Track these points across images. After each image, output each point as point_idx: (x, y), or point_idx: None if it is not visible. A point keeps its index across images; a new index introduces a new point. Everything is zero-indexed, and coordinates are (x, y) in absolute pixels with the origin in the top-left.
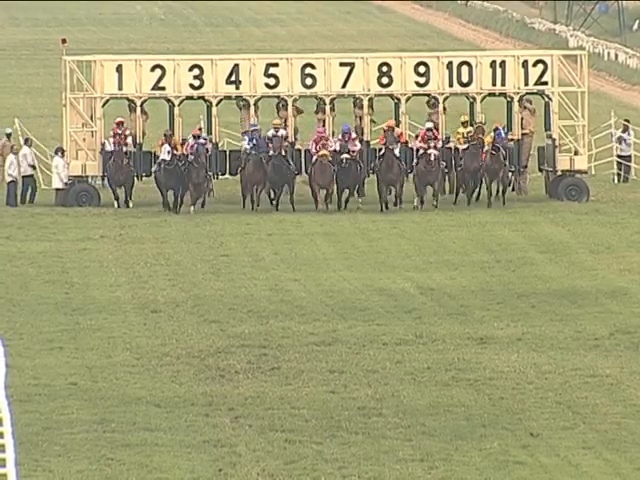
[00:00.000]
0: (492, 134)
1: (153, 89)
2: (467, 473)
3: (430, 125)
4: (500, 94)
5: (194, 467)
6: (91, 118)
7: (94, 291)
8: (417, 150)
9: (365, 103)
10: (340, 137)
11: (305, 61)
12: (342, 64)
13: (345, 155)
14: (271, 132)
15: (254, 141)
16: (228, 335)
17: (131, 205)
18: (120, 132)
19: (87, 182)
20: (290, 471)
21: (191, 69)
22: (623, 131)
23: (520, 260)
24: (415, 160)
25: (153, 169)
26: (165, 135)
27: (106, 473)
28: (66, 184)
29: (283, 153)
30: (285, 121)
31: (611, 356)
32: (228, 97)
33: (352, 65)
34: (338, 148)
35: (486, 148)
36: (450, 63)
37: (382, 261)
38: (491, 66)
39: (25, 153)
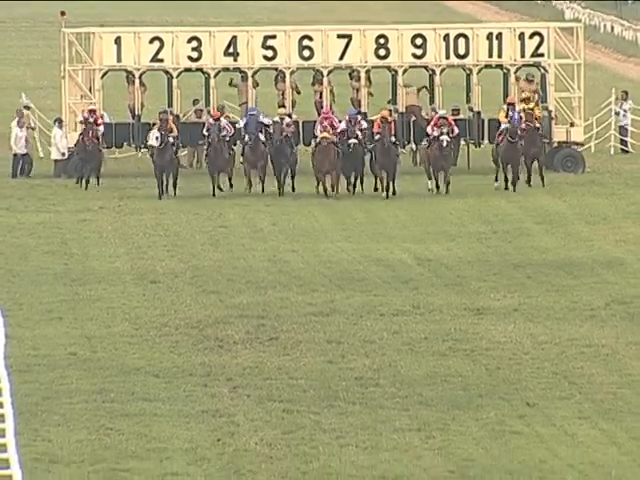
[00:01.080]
0: (505, 111)
1: (152, 61)
2: (464, 443)
3: (443, 112)
4: (497, 66)
5: (193, 437)
6: (90, 90)
7: (93, 262)
8: (430, 135)
9: (362, 75)
10: (347, 118)
11: (302, 33)
12: (339, 36)
13: (353, 140)
14: (276, 118)
15: (245, 124)
16: (226, 306)
17: (99, 184)
18: (92, 120)
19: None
20: (288, 441)
21: (189, 41)
22: (623, 100)
23: (516, 231)
24: (427, 144)
25: (149, 153)
26: (160, 117)
27: (105, 442)
28: (64, 154)
29: (285, 138)
30: (283, 93)
31: (607, 326)
32: (226, 69)
33: (349, 37)
34: (341, 128)
35: (502, 127)
36: (447, 35)
37: (379, 232)
38: (488, 38)
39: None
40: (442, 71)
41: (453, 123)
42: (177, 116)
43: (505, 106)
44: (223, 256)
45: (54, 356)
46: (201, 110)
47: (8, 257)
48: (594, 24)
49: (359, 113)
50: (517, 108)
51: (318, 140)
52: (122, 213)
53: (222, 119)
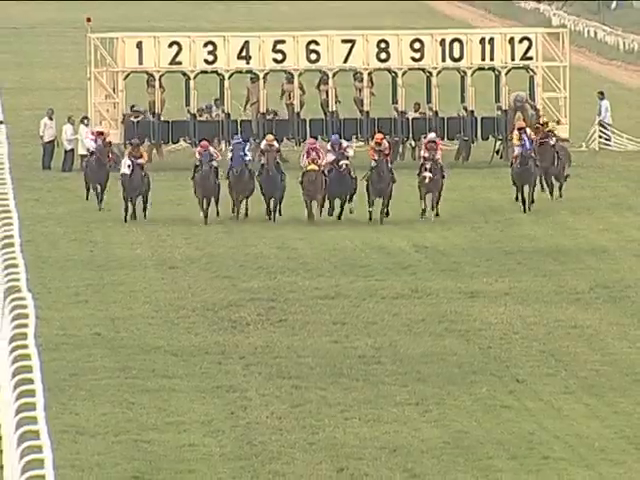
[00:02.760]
0: (517, 136)
1: (170, 64)
2: (458, 416)
3: (432, 135)
4: (489, 68)
5: (208, 410)
6: (114, 90)
7: (116, 249)
8: (421, 159)
9: (365, 77)
10: (329, 148)
11: (310, 38)
12: (344, 41)
13: (344, 161)
14: (264, 144)
15: (231, 154)
16: (239, 289)
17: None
18: (102, 139)
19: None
20: (296, 414)
21: (205, 45)
22: (600, 99)
23: (507, 221)
24: (418, 170)
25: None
26: (131, 144)
27: (127, 416)
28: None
29: (274, 165)
30: (290, 94)
31: (591, 309)
32: (239, 71)
33: (353, 42)
34: (331, 159)
35: (517, 151)
36: (443, 40)
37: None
38: (480, 42)
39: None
40: (438, 73)
41: (440, 146)
42: (194, 115)
43: (516, 131)
44: (236, 243)
45: (80, 336)
46: (209, 108)
47: (38, 245)
48: (579, 30)
49: (341, 138)
50: (528, 131)
51: (305, 171)
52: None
53: (210, 148)
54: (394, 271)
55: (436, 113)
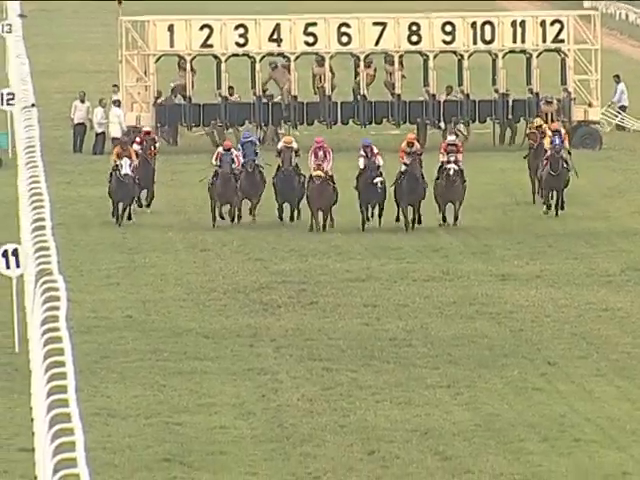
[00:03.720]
0: (550, 137)
1: (202, 47)
2: (489, 399)
3: (452, 138)
4: (520, 51)
5: (239, 393)
6: (145, 73)
7: (148, 232)
8: (440, 163)
9: (396, 59)
10: (362, 152)
11: (341, 21)
12: (375, 23)
13: (379, 179)
14: (281, 145)
15: (241, 152)
16: (270, 272)
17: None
18: (148, 139)
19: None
20: (327, 397)
21: (236, 28)
22: (617, 82)
23: (538, 203)
24: (436, 174)
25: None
26: (121, 144)
27: (159, 398)
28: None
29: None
30: (321, 77)
31: (622, 291)
32: (270, 54)
33: (384, 24)
34: (362, 166)
35: (549, 153)
36: (474, 23)
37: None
38: (512, 25)
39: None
40: (470, 56)
41: (461, 149)
42: (225, 97)
43: (550, 133)
44: (267, 226)
45: (112, 318)
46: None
47: (69, 228)
48: (610, 12)
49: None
50: (562, 132)
51: (311, 176)
52: (174, 187)
53: (233, 150)
54: (425, 254)
55: (467, 96)
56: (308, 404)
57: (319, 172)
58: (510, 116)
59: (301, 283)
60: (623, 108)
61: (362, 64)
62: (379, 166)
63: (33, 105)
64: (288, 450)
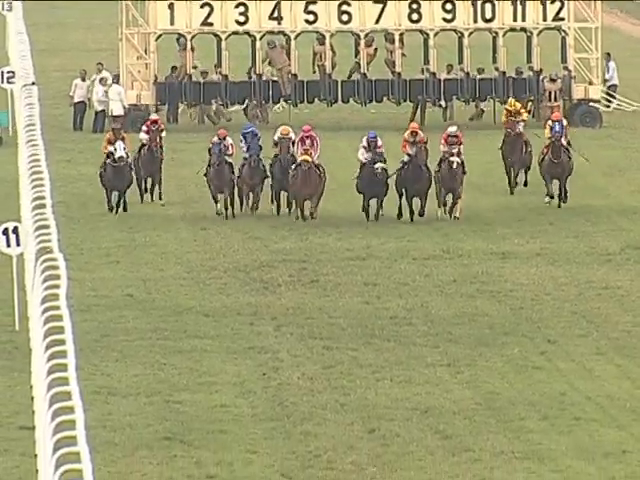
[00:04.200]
0: (550, 127)
1: (202, 25)
2: (490, 377)
3: (453, 129)
4: (521, 29)
5: (240, 371)
6: (145, 52)
7: (148, 209)
8: (441, 154)
9: (396, 38)
10: (364, 144)
11: None
12: (376, 1)
13: (380, 164)
14: (278, 136)
15: (244, 143)
16: (271, 251)
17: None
18: (154, 129)
19: (141, 110)
20: (328, 375)
21: (237, 6)
22: (607, 60)
23: (538, 182)
24: (437, 166)
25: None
26: (114, 130)
27: (159, 377)
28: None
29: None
30: (322, 56)
31: (622, 269)
32: (271, 32)
33: (385, 3)
34: (363, 160)
35: (548, 141)
36: (475, 1)
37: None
38: (512, 3)
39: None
40: (470, 34)
41: (462, 140)
42: (225, 75)
43: (550, 122)
44: (267, 205)
45: (112, 297)
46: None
47: (69, 206)
48: None
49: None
50: (564, 123)
51: (298, 162)
52: (175, 165)
53: (228, 138)
54: (425, 232)
55: (467, 74)
56: (308, 382)
57: (307, 157)
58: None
59: (301, 262)
60: (614, 87)
61: (362, 42)
62: (382, 153)
63: (33, 83)
64: (288, 428)
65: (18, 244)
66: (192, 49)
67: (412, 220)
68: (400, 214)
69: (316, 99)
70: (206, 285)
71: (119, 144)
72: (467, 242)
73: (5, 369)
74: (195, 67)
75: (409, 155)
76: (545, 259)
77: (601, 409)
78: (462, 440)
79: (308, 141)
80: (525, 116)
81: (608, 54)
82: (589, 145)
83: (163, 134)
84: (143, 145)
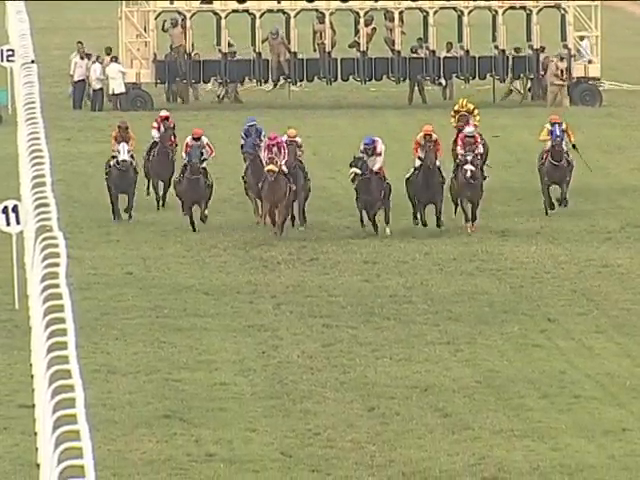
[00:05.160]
0: (548, 129)
1: (202, 2)
2: (489, 355)
3: (470, 130)
4: (520, 7)
5: (239, 349)
6: (145, 30)
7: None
8: (457, 157)
9: (396, 16)
10: (362, 149)
11: None
12: None
13: (379, 165)
14: (285, 138)
15: (243, 141)
16: (270, 228)
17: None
18: (166, 126)
19: (141, 88)
20: (327, 353)
21: None
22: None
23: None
24: (453, 170)
25: (106, 171)
26: (120, 128)
27: (159, 355)
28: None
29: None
30: (321, 34)
31: (622, 248)
32: (270, 10)
33: None
34: (356, 172)
35: (548, 145)
36: None
37: (411, 161)
38: None
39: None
40: (470, 12)
41: (480, 141)
42: (225, 54)
43: (548, 125)
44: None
45: (112, 275)
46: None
47: (69, 184)
48: None
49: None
50: (563, 126)
51: (265, 172)
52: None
53: (203, 137)
54: (428, 209)
55: (467, 52)
56: (308, 361)
57: (272, 166)
58: (509, 72)
59: (301, 240)
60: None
61: (362, 21)
62: (377, 172)
63: (33, 62)
64: (288, 407)
65: (18, 222)
66: (184, 28)
67: (426, 225)
68: (415, 217)
69: (316, 77)
70: (206, 263)
71: (123, 146)
72: None
73: (5, 347)
74: (231, 45)
75: (420, 159)
76: (545, 237)
77: (601, 387)
78: (462, 418)
79: (275, 149)
80: (478, 119)
81: (581, 38)
82: (589, 123)
83: (175, 131)
84: (154, 144)
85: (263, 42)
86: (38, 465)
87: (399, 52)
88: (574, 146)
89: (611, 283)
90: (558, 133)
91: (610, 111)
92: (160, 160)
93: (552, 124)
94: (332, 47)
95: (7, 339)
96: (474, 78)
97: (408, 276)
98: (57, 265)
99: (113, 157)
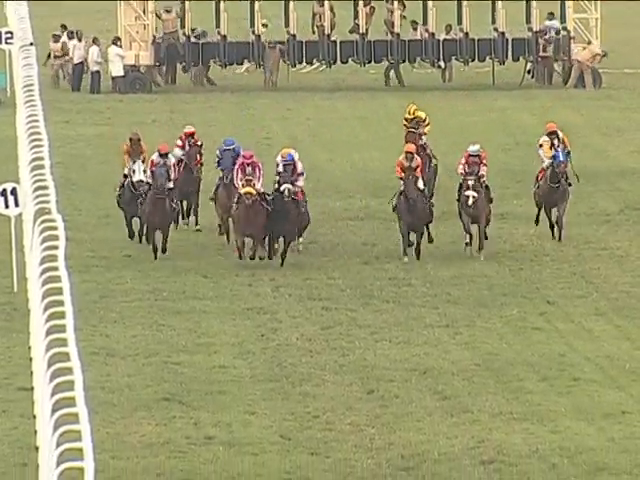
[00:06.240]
0: (548, 143)
1: None
2: (489, 338)
3: (475, 148)
4: None
5: (238, 332)
6: (143, 12)
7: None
8: (461, 176)
9: None
10: (281, 169)
11: None
12: None
13: (287, 185)
14: (279, 159)
15: (219, 159)
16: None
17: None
18: (191, 143)
19: (140, 71)
20: (326, 336)
21: None
22: (549, 19)
23: (537, 142)
24: (458, 192)
25: (117, 193)
26: (131, 141)
27: (158, 337)
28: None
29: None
30: (320, 17)
31: (621, 230)
32: None
33: None
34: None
35: (546, 163)
36: None
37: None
38: None
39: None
40: None
41: (485, 161)
42: (224, 36)
43: (546, 137)
44: (266, 166)
45: (111, 258)
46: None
47: (68, 167)
48: None
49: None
50: (560, 135)
51: (239, 195)
52: (173, 126)
53: (170, 155)
54: (424, 193)
55: (466, 34)
56: (307, 343)
57: (249, 189)
58: (509, 54)
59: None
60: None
61: (361, 3)
62: (295, 192)
63: (31, 44)
64: (287, 389)
65: (17, 205)
66: (179, 11)
67: (418, 258)
68: (405, 251)
69: (315, 60)
70: (205, 246)
71: (138, 165)
72: None
73: (3, 330)
74: (265, 25)
75: (403, 180)
76: (543, 219)
77: (600, 370)
78: (461, 401)
79: (249, 169)
80: (428, 128)
81: (551, 13)
82: (588, 106)
83: (202, 149)
84: (179, 162)
85: (264, 26)
86: (37, 448)
87: (398, 34)
88: (569, 152)
89: (610, 266)
90: (562, 158)
91: (609, 93)
92: (184, 178)
93: (549, 133)
94: (331, 30)
95: (6, 322)
96: (473, 60)
97: (407, 259)
98: (56, 248)
99: (126, 176)
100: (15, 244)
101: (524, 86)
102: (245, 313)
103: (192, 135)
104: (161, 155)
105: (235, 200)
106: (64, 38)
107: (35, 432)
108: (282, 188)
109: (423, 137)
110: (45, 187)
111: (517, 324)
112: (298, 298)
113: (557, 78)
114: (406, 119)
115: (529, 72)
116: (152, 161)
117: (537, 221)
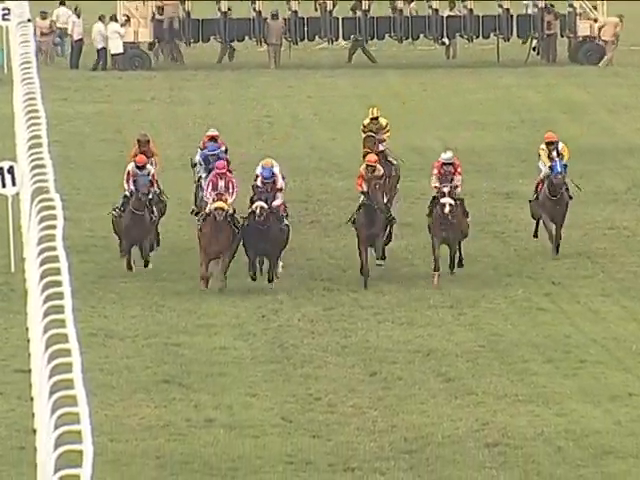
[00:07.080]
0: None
1: None
2: (493, 319)
3: (448, 156)
4: None
5: (239, 313)
6: None
7: None
8: (434, 189)
9: None
10: (259, 184)
11: None
12: None
13: (259, 203)
14: (259, 170)
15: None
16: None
17: None
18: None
19: (139, 48)
20: (329, 317)
21: None
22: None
23: (543, 120)
24: (429, 206)
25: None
26: (139, 142)
27: (157, 319)
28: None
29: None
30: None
31: (628, 209)
32: None
33: None
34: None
35: (543, 173)
36: None
37: (413, 121)
38: None
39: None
40: None
41: (459, 169)
42: (225, 12)
43: (544, 146)
44: (267, 144)
45: (109, 238)
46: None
47: (66, 145)
48: None
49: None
50: (560, 146)
51: (209, 210)
52: (172, 103)
53: (148, 166)
54: (426, 172)
55: (471, 11)
56: (309, 324)
57: (221, 204)
58: (514, 31)
59: (302, 202)
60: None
61: None
62: (277, 207)
63: (29, 20)
64: (289, 371)
65: (14, 184)
66: None
67: (365, 286)
68: (361, 271)
69: (317, 36)
70: None
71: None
72: (470, 182)
73: (1, 311)
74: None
75: (364, 194)
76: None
77: (607, 351)
78: (465, 383)
79: (221, 183)
80: (387, 135)
81: None
82: (595, 83)
83: (227, 155)
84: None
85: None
86: (34, 430)
87: (401, 11)
88: (565, 166)
89: (617, 245)
90: (559, 169)
91: (616, 70)
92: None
93: (547, 144)
94: (333, 7)
95: (3, 302)
96: (478, 37)
97: (410, 238)
98: (54, 227)
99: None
100: (12, 224)
101: (529, 63)
102: (246, 294)
103: (215, 139)
104: (138, 167)
105: (202, 216)
106: (73, 17)
107: (33, 415)
108: (254, 206)
109: (382, 143)
110: (43, 166)
111: (522, 305)
112: (300, 278)
113: (562, 55)
114: (364, 124)
115: (534, 49)
116: (129, 172)
117: (536, 234)
